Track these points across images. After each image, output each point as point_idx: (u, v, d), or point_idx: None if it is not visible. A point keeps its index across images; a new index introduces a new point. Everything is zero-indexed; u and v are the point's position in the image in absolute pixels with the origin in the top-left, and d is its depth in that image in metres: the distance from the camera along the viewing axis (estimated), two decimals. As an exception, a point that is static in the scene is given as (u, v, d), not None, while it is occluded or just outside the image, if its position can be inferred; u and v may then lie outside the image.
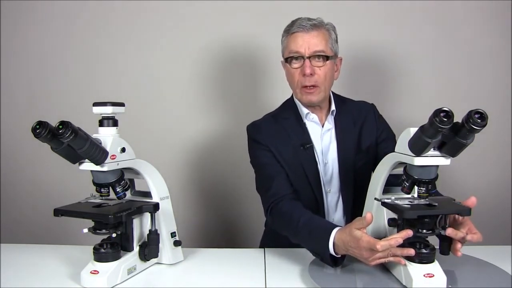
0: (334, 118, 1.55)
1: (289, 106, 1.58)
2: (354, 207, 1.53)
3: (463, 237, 1.12)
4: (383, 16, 2.09)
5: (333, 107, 1.54)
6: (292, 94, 1.57)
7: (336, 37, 1.50)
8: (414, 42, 2.10)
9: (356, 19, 2.08)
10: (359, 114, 1.57)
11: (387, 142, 1.56)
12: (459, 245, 1.14)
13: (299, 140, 1.51)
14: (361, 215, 1.32)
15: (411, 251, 1.08)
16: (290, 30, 1.46)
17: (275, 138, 1.52)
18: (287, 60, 1.47)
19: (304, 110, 1.53)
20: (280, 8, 2.05)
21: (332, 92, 1.58)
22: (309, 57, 1.43)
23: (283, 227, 1.39)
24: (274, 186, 1.44)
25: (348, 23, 1.95)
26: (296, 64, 1.46)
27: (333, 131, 1.55)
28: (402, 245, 1.09)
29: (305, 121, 1.53)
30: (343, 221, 1.56)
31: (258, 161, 1.53)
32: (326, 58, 1.44)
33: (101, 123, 1.19)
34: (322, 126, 1.54)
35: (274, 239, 1.59)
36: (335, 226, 1.23)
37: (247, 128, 1.60)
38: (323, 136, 1.54)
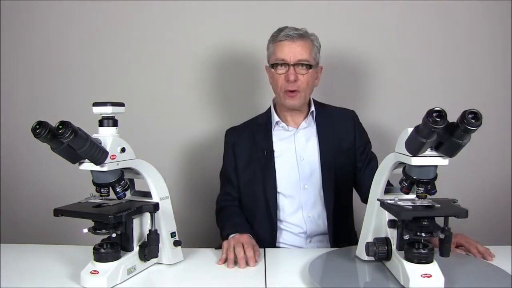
0: (315, 119, 1.64)
1: (267, 112, 1.71)
2: (335, 203, 1.59)
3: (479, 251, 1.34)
4: (378, 18, 2.09)
5: (312, 109, 1.64)
6: (273, 100, 1.68)
7: (319, 47, 1.60)
8: (413, 41, 2.10)
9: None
10: (338, 118, 1.67)
11: (365, 147, 1.66)
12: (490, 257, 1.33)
13: (263, 145, 1.62)
14: (342, 212, 1.60)
15: None
16: (277, 38, 1.56)
17: (242, 143, 1.67)
18: (273, 66, 1.57)
19: (275, 118, 1.64)
20: (277, 13, 2.05)
21: (313, 99, 1.67)
22: (293, 65, 1.52)
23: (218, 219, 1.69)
24: (226, 189, 1.72)
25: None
26: (281, 70, 1.55)
27: (310, 130, 1.63)
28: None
29: (273, 128, 1.64)
30: (322, 217, 1.60)
31: (224, 159, 1.75)
32: (309, 66, 1.54)
33: (101, 123, 1.19)
34: (298, 127, 1.63)
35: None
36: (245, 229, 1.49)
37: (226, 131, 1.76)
38: (296, 134, 1.62)
